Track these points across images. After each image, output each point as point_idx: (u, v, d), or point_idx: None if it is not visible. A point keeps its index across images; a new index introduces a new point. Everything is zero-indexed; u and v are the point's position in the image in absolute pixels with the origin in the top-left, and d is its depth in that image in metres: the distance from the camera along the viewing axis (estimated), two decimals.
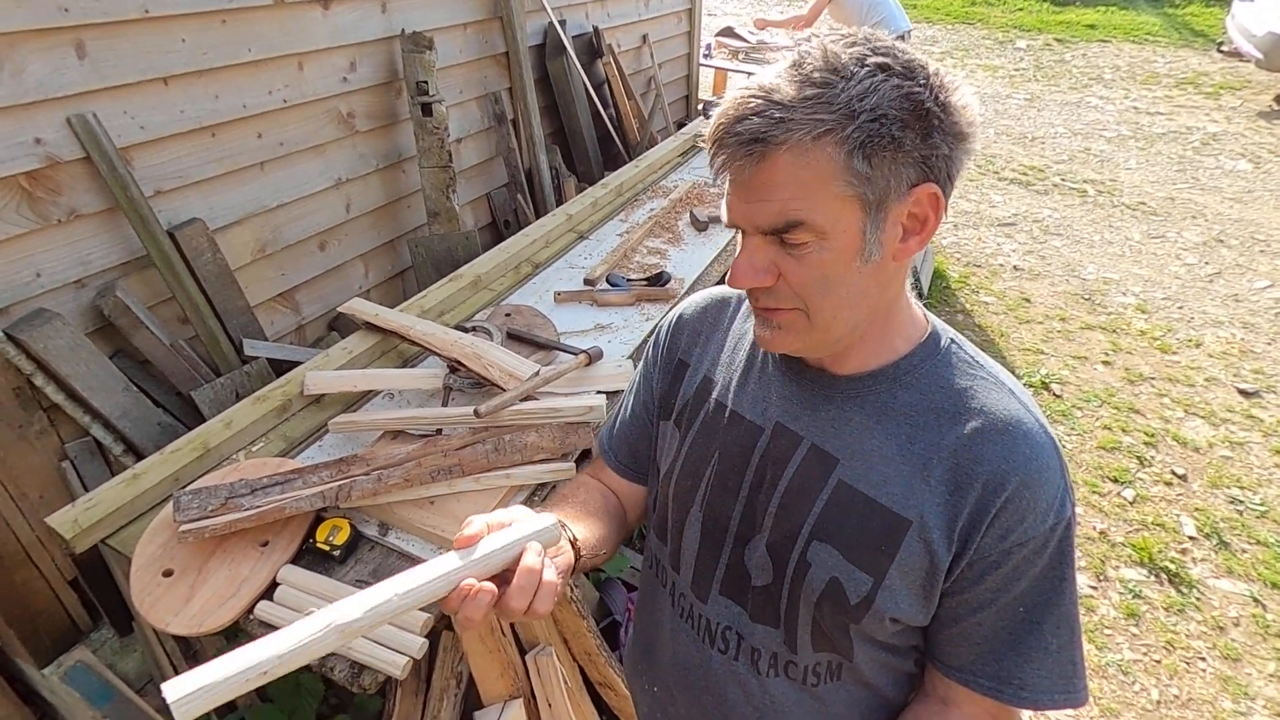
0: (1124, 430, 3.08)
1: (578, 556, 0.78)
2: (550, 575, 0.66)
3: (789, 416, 0.80)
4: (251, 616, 1.23)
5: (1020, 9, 10.17)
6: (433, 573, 0.63)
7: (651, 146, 3.60)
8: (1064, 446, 2.99)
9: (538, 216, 2.96)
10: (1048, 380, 3.39)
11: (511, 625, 1.44)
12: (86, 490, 1.59)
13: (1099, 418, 3.16)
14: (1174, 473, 2.85)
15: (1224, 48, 7.55)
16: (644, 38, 4.13)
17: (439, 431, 1.60)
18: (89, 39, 1.65)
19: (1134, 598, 2.36)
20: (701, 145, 0.76)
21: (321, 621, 0.57)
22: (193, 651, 1.71)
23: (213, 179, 1.99)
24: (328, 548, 1.32)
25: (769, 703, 0.83)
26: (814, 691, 0.81)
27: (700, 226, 2.67)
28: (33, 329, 1.58)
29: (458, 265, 2.33)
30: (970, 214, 5.07)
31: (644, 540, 1.00)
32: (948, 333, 0.79)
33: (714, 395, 0.87)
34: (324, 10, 2.20)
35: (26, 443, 1.64)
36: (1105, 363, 3.52)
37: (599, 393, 1.67)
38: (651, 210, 2.84)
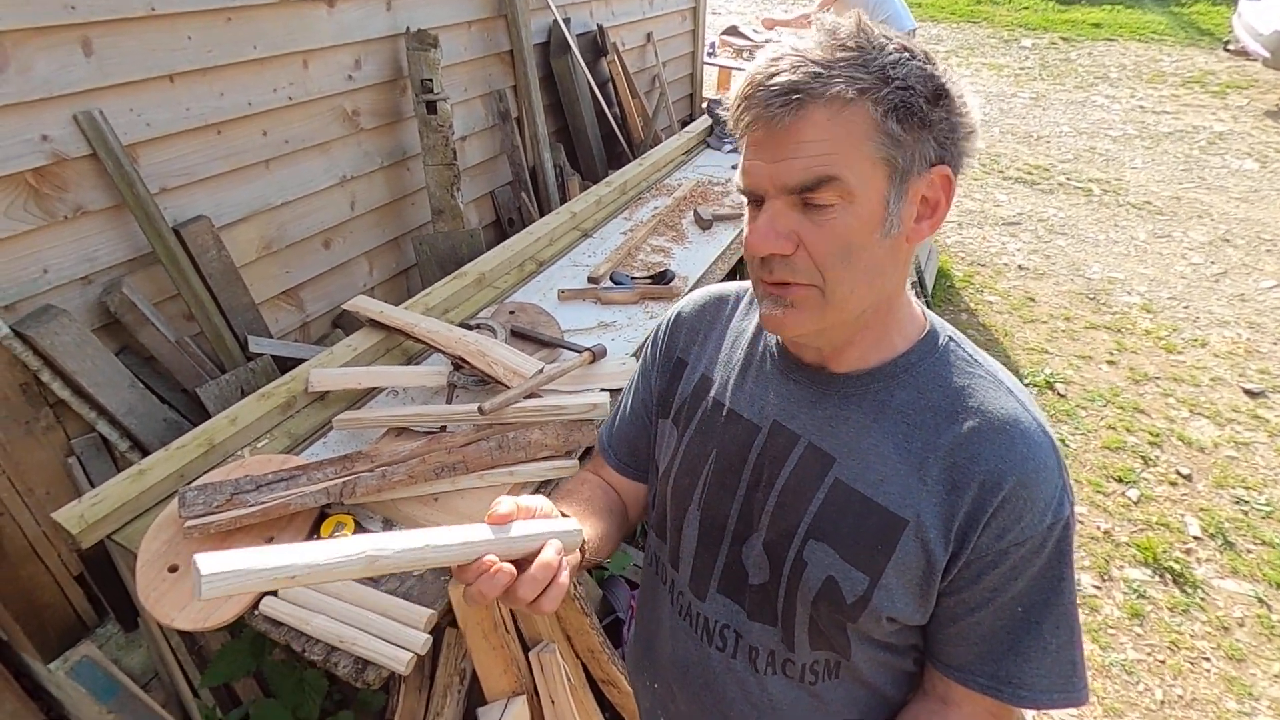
0: (1129, 430, 3.07)
1: (582, 555, 0.79)
2: (564, 577, 0.67)
3: (786, 415, 0.80)
4: (256, 612, 1.24)
5: (1026, 7, 10.13)
6: (463, 537, 0.63)
7: (655, 145, 3.60)
8: (1068, 446, 2.99)
9: (542, 214, 2.97)
10: (1052, 380, 3.38)
11: (515, 622, 1.44)
12: (92, 486, 1.60)
13: (1103, 417, 3.15)
14: (1179, 473, 2.84)
15: (1230, 46, 7.52)
16: (648, 36, 4.13)
17: (443, 429, 1.60)
18: (95, 36, 1.66)
19: (1138, 598, 2.35)
20: (724, 112, 0.76)
21: (359, 546, 0.58)
22: (197, 647, 1.72)
23: (218, 176, 1.99)
24: None
25: (767, 701, 0.83)
26: (812, 690, 0.81)
27: (704, 225, 2.66)
28: (40, 325, 1.59)
29: (462, 263, 2.33)
30: (975, 213, 5.06)
31: (646, 538, 1.01)
32: (946, 331, 0.79)
33: (712, 393, 0.87)
34: (329, 8, 2.20)
35: (33, 438, 1.65)
36: (1110, 362, 3.51)
37: (603, 390, 1.67)
38: (655, 208, 2.84)
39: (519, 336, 1.91)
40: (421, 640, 1.19)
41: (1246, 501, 2.70)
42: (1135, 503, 2.71)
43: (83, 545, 1.36)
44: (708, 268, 2.40)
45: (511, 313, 2.03)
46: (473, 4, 2.78)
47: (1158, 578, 2.43)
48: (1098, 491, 2.77)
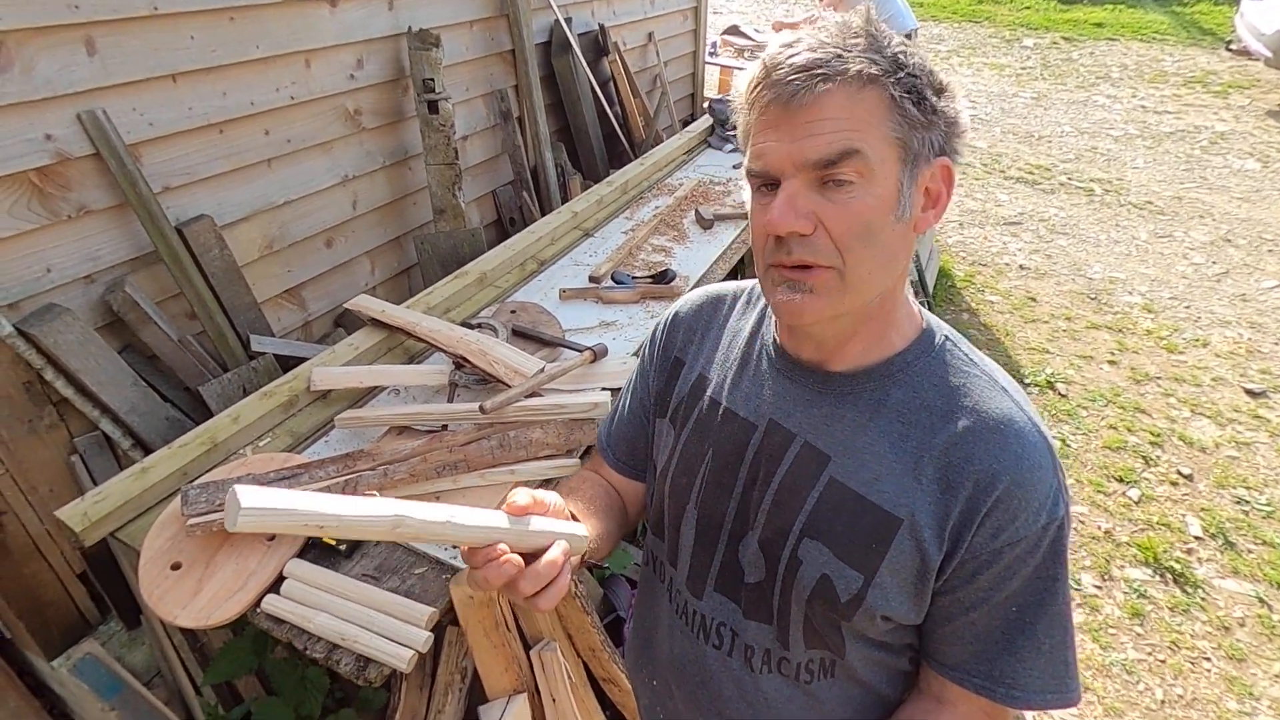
0: (1130, 430, 3.07)
1: (582, 557, 0.79)
2: (565, 579, 0.68)
3: (782, 414, 0.80)
4: (259, 610, 1.24)
5: (1027, 7, 10.12)
6: (482, 520, 0.65)
7: (657, 144, 3.61)
8: (1069, 446, 2.99)
9: (543, 214, 2.97)
10: (1053, 380, 3.38)
11: (516, 621, 1.44)
12: (95, 484, 1.60)
13: (1105, 417, 3.15)
14: (1180, 473, 2.84)
15: (1232, 46, 7.51)
16: (649, 35, 4.13)
17: (444, 427, 1.60)
18: (99, 36, 1.66)
19: (1139, 597, 2.36)
20: (729, 110, 0.77)
21: (390, 508, 0.59)
22: (199, 644, 1.73)
23: (221, 175, 2.00)
24: (334, 542, 1.33)
25: (762, 699, 0.83)
26: (807, 688, 0.82)
27: (705, 224, 2.67)
28: (43, 324, 1.59)
29: (463, 262, 2.33)
30: (976, 213, 5.05)
31: (646, 536, 1.01)
32: (943, 330, 0.79)
33: (708, 392, 0.88)
34: (331, 7, 2.21)
35: (36, 437, 1.66)
36: (1111, 362, 3.51)
37: (604, 389, 1.67)
38: (657, 208, 2.84)
39: (520, 336, 1.92)
40: (423, 638, 1.19)
41: (1247, 501, 2.69)
42: (1136, 502, 2.71)
43: (86, 543, 1.37)
44: (709, 267, 2.40)
45: (513, 312, 2.04)
46: (474, 3, 2.79)
47: (1158, 577, 2.43)
48: (1099, 491, 2.77)
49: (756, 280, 0.81)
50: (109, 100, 1.71)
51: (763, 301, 0.89)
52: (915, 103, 0.66)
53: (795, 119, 0.66)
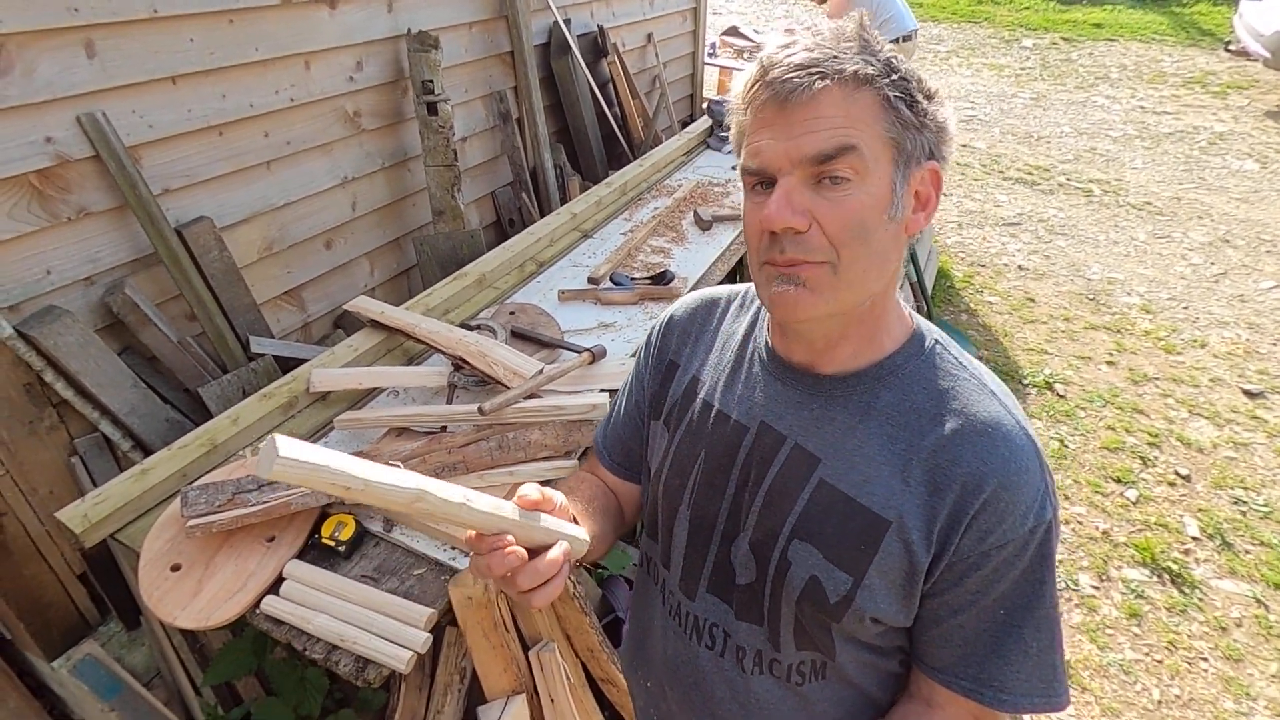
0: (1128, 430, 3.07)
1: (579, 560, 0.80)
2: (561, 579, 0.69)
3: (774, 416, 0.81)
4: (258, 611, 1.25)
5: (1026, 7, 10.12)
6: (494, 508, 0.66)
7: (656, 145, 3.61)
8: (1067, 446, 2.99)
9: (542, 215, 2.98)
10: (1051, 380, 3.38)
11: (515, 621, 1.45)
12: (95, 485, 1.61)
13: (1103, 418, 3.15)
14: (1177, 473, 2.85)
15: (1231, 47, 7.51)
16: (648, 37, 4.14)
17: (443, 429, 1.61)
18: (98, 38, 1.67)
19: (1136, 598, 2.36)
20: (726, 112, 0.78)
21: (414, 481, 0.61)
22: (199, 645, 1.73)
23: (220, 177, 2.00)
24: (333, 543, 1.34)
25: (753, 700, 0.84)
26: (798, 690, 0.82)
27: (704, 225, 2.67)
28: (43, 326, 1.60)
29: (462, 264, 2.34)
30: (975, 213, 5.06)
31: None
32: (933, 333, 0.79)
33: (701, 395, 0.88)
34: (331, 10, 2.21)
35: (36, 438, 1.66)
36: (1109, 363, 3.52)
37: (602, 391, 1.68)
38: (655, 209, 2.84)
39: (519, 337, 1.92)
40: (422, 639, 1.20)
41: (1245, 502, 2.70)
42: (1134, 503, 2.72)
43: (86, 544, 1.37)
44: (707, 268, 2.41)
45: (512, 313, 2.04)
46: (473, 5, 2.79)
47: (1156, 578, 2.44)
48: (1096, 492, 2.77)
49: (751, 284, 0.82)
50: (109, 102, 1.71)
51: (756, 304, 0.90)
52: (908, 105, 0.68)
53: (792, 116, 0.67)
